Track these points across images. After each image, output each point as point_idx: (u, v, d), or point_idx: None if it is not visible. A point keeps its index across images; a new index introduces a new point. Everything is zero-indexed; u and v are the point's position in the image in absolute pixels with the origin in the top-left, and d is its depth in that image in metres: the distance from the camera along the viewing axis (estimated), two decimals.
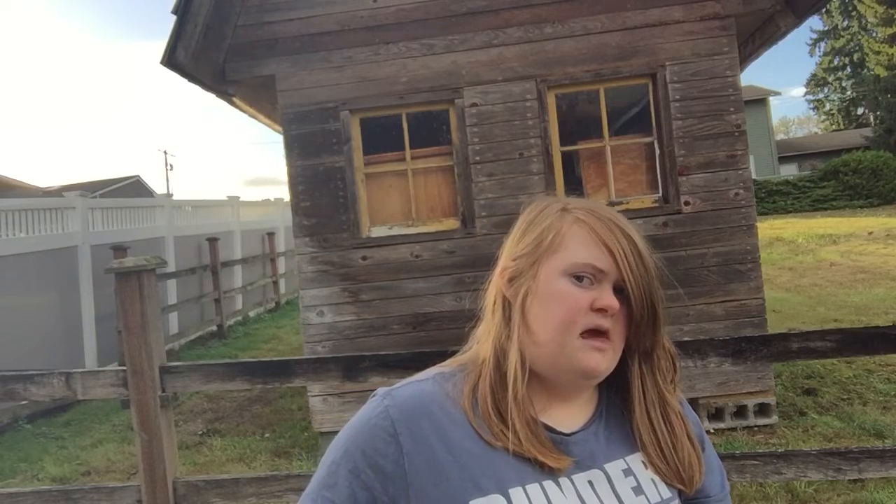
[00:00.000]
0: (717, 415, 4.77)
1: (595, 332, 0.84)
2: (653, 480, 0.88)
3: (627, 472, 0.87)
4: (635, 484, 0.87)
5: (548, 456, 0.82)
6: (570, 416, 0.89)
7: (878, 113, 32.94)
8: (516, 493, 0.80)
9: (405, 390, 0.87)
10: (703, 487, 0.94)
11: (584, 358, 0.84)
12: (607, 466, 0.87)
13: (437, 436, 0.82)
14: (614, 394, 0.93)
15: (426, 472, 0.81)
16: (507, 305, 0.89)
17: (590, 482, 0.85)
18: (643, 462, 0.89)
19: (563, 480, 0.83)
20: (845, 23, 41.75)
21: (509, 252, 0.92)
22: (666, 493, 0.88)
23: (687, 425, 0.93)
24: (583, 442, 0.87)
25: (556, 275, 0.86)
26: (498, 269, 0.92)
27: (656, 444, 0.90)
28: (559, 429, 0.87)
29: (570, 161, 5.38)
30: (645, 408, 0.91)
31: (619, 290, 0.85)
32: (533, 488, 0.81)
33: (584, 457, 0.86)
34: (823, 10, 33.22)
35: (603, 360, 0.85)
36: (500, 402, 0.84)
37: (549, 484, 0.82)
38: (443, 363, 0.93)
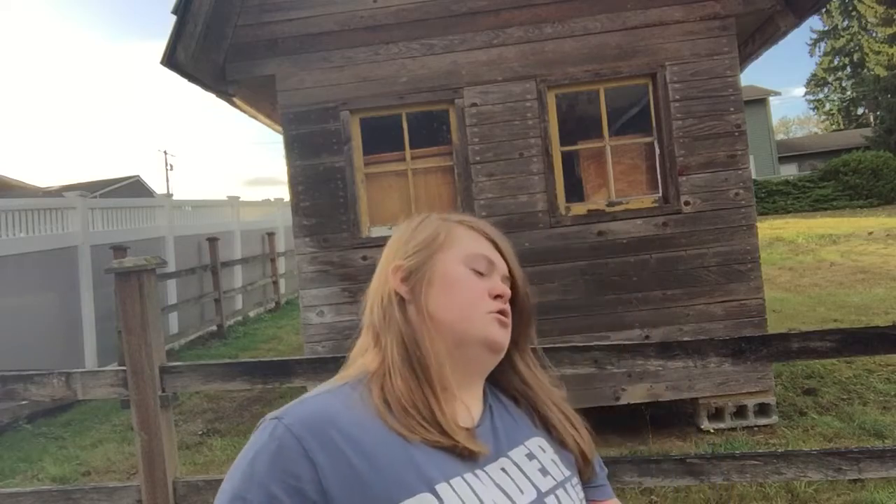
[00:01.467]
0: (717, 415, 4.77)
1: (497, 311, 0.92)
2: (553, 461, 0.93)
3: (530, 455, 0.91)
4: (540, 466, 0.91)
5: (471, 442, 0.84)
6: (466, 410, 0.91)
7: (878, 113, 32.94)
8: (443, 488, 0.80)
9: (302, 407, 0.84)
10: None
11: (491, 329, 0.90)
12: (511, 454, 0.90)
13: (350, 444, 0.79)
14: (495, 385, 0.98)
15: (346, 485, 0.78)
16: (402, 303, 0.92)
17: (502, 469, 0.87)
18: (541, 446, 0.93)
19: (480, 472, 0.84)
20: (845, 23, 41.74)
21: (397, 254, 0.96)
22: (566, 471, 0.93)
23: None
24: (485, 434, 0.89)
25: (454, 263, 0.92)
26: (388, 270, 0.95)
27: (563, 423, 0.96)
28: (462, 425, 0.88)
29: (570, 161, 5.39)
30: (546, 392, 0.99)
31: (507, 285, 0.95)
32: (457, 482, 0.81)
33: (491, 448, 0.88)
34: (823, 10, 33.24)
35: (506, 333, 0.92)
36: (415, 395, 0.85)
37: (470, 476, 0.83)
38: (326, 382, 0.92)
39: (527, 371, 0.99)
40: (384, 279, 0.95)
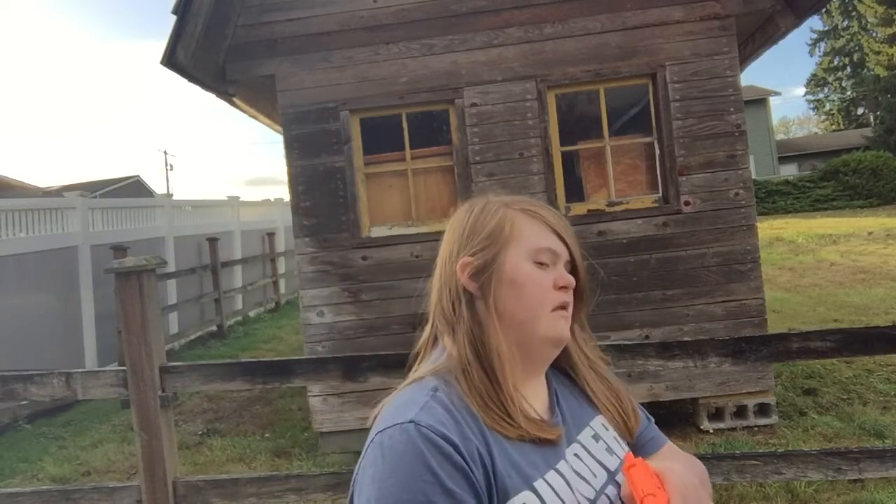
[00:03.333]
0: (717, 415, 4.77)
1: (560, 307, 0.94)
2: (616, 439, 0.98)
3: (596, 437, 0.96)
4: (606, 446, 0.95)
5: (547, 431, 0.88)
6: (535, 398, 0.94)
7: (878, 113, 32.94)
8: (540, 485, 0.84)
9: (429, 411, 0.83)
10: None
11: (556, 327, 0.93)
12: (580, 438, 0.94)
13: (477, 442, 0.82)
14: (553, 367, 1.01)
15: (487, 479, 0.81)
16: (470, 300, 0.94)
17: (576, 455, 0.92)
18: (603, 425, 0.98)
19: (562, 463, 0.89)
20: (845, 23, 41.73)
21: (460, 250, 0.96)
22: (626, 446, 0.98)
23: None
24: (558, 423, 0.93)
25: (521, 260, 0.93)
26: (455, 264, 0.95)
27: (609, 400, 1.01)
28: (537, 416, 0.91)
29: (570, 161, 5.39)
30: (591, 369, 1.02)
31: (568, 269, 0.97)
32: (551, 476, 0.86)
33: (564, 436, 0.92)
34: (823, 10, 33.19)
35: (567, 326, 0.95)
36: (493, 395, 0.87)
37: (559, 468, 0.88)
38: (413, 380, 0.92)
39: (576, 350, 1.01)
40: (451, 273, 0.96)
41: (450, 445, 0.78)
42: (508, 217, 0.95)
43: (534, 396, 0.94)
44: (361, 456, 0.84)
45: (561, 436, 0.90)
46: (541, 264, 0.94)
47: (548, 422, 0.91)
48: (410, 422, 0.80)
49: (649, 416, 1.07)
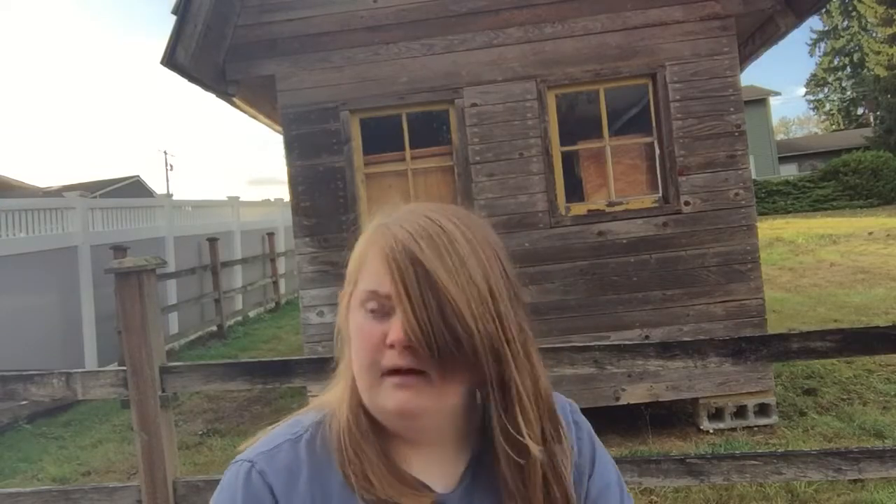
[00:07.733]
0: (717, 415, 4.77)
1: (395, 371, 0.70)
2: None
3: None
4: None
5: (409, 496, 0.71)
6: (440, 468, 0.77)
7: (878, 113, 32.97)
8: None
9: (274, 455, 0.76)
10: None
11: (389, 399, 0.70)
12: None
13: (314, 499, 0.74)
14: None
15: None
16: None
17: None
18: None
19: None
20: (845, 23, 41.77)
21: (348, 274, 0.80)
22: None
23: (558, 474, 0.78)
24: (433, 493, 0.75)
25: (356, 307, 0.74)
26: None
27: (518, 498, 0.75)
28: (430, 485, 0.76)
29: (570, 161, 5.39)
30: (506, 453, 0.74)
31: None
32: None
33: None
34: (823, 10, 33.23)
35: (413, 398, 0.69)
36: (360, 442, 0.75)
37: None
38: (304, 410, 0.83)
39: (494, 423, 0.74)
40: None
41: (268, 497, 0.73)
42: (368, 243, 0.74)
43: (426, 468, 0.76)
44: None
45: (426, 499, 0.73)
46: (374, 312, 0.71)
47: (425, 488, 0.74)
48: (249, 461, 0.75)
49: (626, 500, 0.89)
